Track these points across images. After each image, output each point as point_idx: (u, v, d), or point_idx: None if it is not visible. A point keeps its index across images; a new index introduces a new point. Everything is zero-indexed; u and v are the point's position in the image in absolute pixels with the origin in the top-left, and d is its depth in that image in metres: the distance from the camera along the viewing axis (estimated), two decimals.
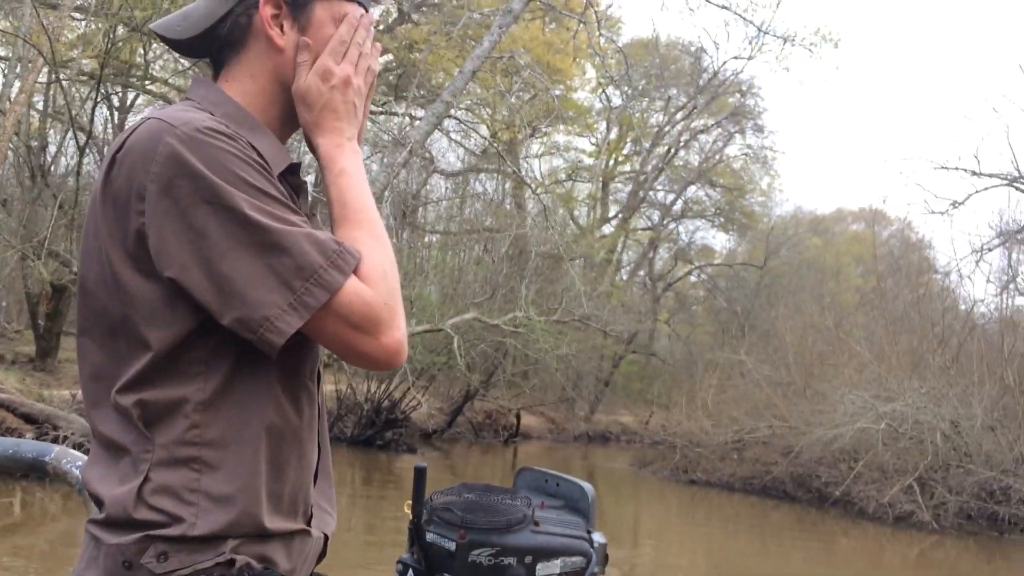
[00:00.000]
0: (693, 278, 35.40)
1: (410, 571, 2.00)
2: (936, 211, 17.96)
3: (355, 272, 1.05)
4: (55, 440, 8.99)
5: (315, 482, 1.19)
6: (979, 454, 14.00)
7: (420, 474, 1.97)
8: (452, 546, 1.95)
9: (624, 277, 31.91)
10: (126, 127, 1.15)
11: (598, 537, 2.20)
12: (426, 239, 26.35)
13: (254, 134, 1.12)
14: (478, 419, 23.72)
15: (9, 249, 13.82)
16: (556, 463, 21.39)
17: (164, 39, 1.19)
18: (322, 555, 1.22)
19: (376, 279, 1.06)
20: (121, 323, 1.04)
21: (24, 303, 17.03)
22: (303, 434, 1.13)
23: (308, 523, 1.15)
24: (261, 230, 1.00)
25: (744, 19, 15.19)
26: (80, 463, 1.51)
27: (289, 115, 1.20)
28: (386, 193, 11.15)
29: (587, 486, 2.33)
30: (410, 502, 1.98)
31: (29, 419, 9.04)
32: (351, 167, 1.16)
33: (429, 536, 1.97)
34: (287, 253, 1.00)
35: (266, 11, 1.15)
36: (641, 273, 33.12)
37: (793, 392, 17.78)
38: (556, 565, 2.08)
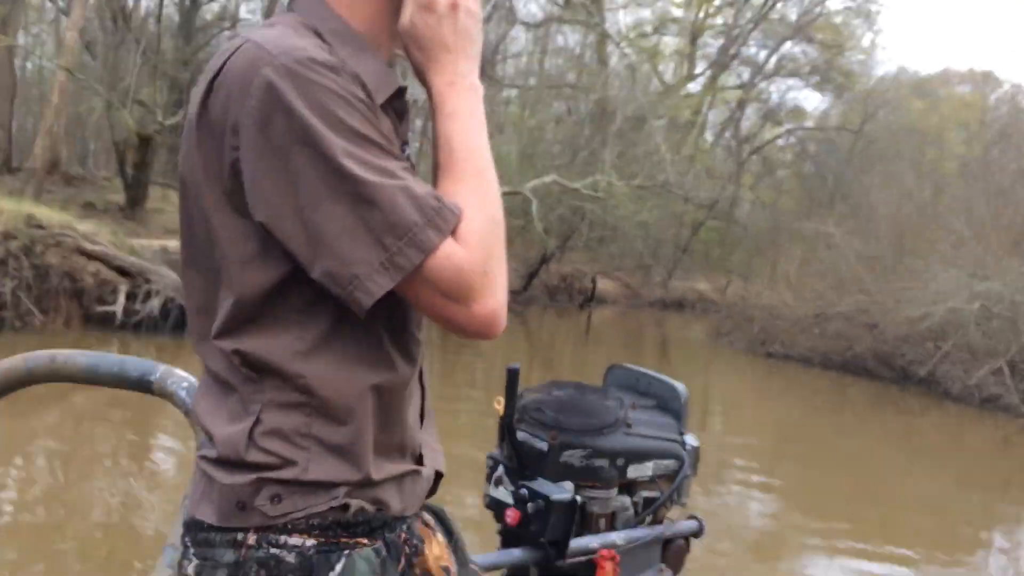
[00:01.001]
0: (781, 142, 34.09)
1: (500, 467, 1.93)
2: None
3: (453, 233, 0.97)
4: (147, 294, 9.26)
5: (421, 422, 1.17)
6: None
7: (513, 375, 1.86)
8: (544, 446, 1.89)
9: (709, 139, 30.87)
10: (223, 49, 1.01)
11: (690, 440, 2.10)
12: (504, 93, 25.73)
13: (359, 56, 1.04)
14: (553, 282, 23.80)
15: (96, 96, 13.96)
16: (630, 330, 21.50)
17: None
18: (433, 490, 1.20)
19: (474, 242, 0.97)
20: (220, 262, 1.00)
21: (112, 151, 17.36)
22: (411, 384, 1.10)
23: (418, 462, 1.13)
24: (356, 181, 0.92)
25: None
26: (185, 384, 1.48)
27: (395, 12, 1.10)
28: None
29: (680, 386, 2.21)
30: (500, 398, 1.88)
31: (123, 272, 9.30)
32: (463, 108, 1.07)
33: (520, 435, 1.90)
34: (382, 208, 0.93)
35: None
36: (727, 135, 31.96)
37: (882, 267, 17.17)
38: (648, 468, 2.00)
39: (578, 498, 1.75)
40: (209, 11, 19.38)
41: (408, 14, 1.07)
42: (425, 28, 1.07)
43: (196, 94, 1.00)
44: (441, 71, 1.07)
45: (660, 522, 2.07)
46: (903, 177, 21.37)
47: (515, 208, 17.03)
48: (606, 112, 17.64)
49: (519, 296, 20.72)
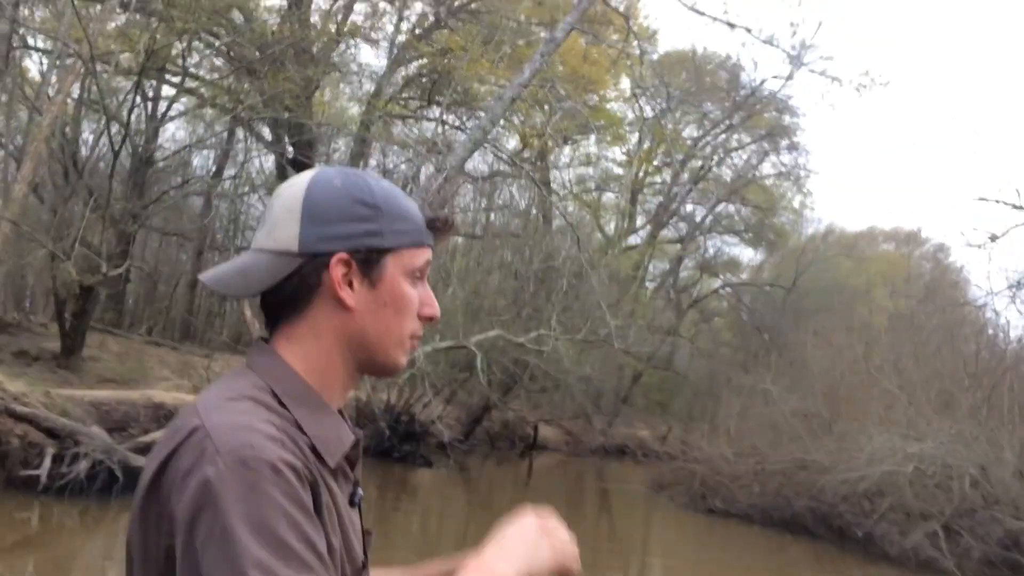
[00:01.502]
0: (718, 290, 35.17)
1: None
2: (974, 244, 17.50)
3: None
4: (75, 456, 8.97)
5: None
6: (1007, 501, 13.69)
7: None
8: None
9: (649, 288, 31.69)
10: (177, 425, 1.02)
11: None
12: (451, 243, 26.29)
13: (315, 416, 1.07)
14: (495, 429, 23.66)
15: (40, 248, 13.88)
16: (570, 478, 21.32)
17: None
18: None
19: None
20: None
21: (50, 296, 17.11)
22: None
23: None
24: None
25: (790, 56, 14.78)
26: None
27: (352, 372, 1.15)
28: None
29: None
30: None
31: (52, 433, 9.01)
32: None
33: None
34: None
35: (337, 272, 1.09)
36: (667, 285, 32.90)
37: (818, 425, 17.46)
38: None
39: None
40: (161, 153, 19.73)
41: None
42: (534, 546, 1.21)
43: (148, 469, 1.01)
44: (500, 552, 1.14)
45: None
46: (835, 332, 22.07)
47: (460, 361, 17.13)
48: (550, 267, 18.11)
49: (461, 444, 20.52)
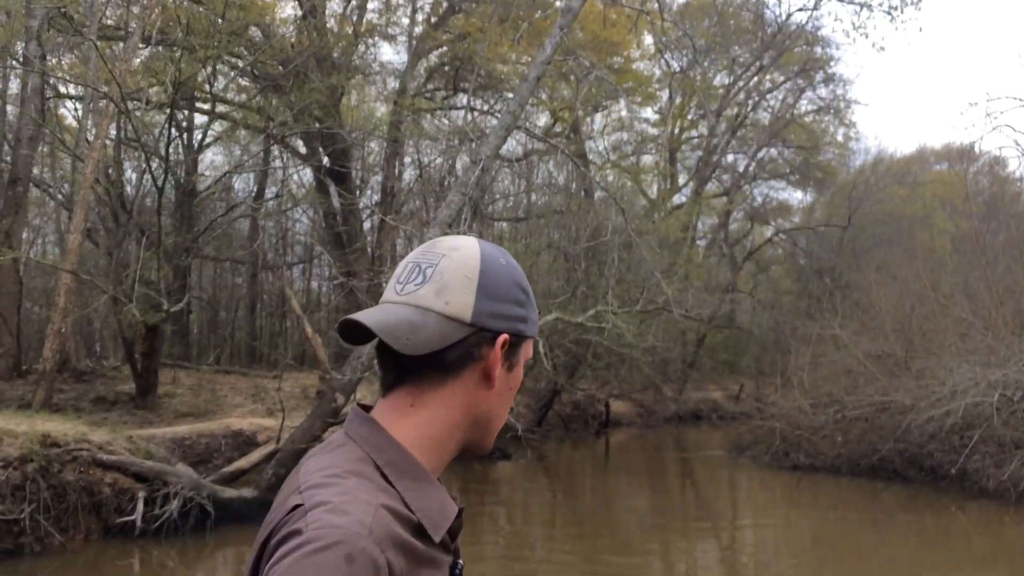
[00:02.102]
0: (771, 238, 34.55)
1: None
2: None
3: None
4: (165, 497, 9.18)
5: None
6: None
7: None
8: None
9: (701, 247, 31.28)
10: (283, 492, 1.08)
11: None
12: (495, 228, 26.28)
13: (418, 488, 1.07)
14: (567, 411, 23.65)
15: (101, 295, 14.19)
16: (648, 451, 21.20)
17: (352, 336, 1.13)
18: None
19: None
20: None
21: (118, 340, 17.52)
22: None
23: None
24: None
25: None
26: None
27: (456, 451, 1.17)
28: (464, 209, 10.98)
29: None
30: None
31: (140, 477, 9.23)
32: None
33: None
34: None
35: (499, 350, 1.13)
36: (719, 241, 32.41)
37: (894, 364, 17.05)
38: None
39: None
40: (202, 182, 20.02)
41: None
42: None
43: (256, 543, 1.03)
44: None
45: None
46: (898, 265, 21.53)
47: None
48: (599, 243, 17.94)
49: (534, 432, 20.56)
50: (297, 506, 0.99)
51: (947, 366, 14.99)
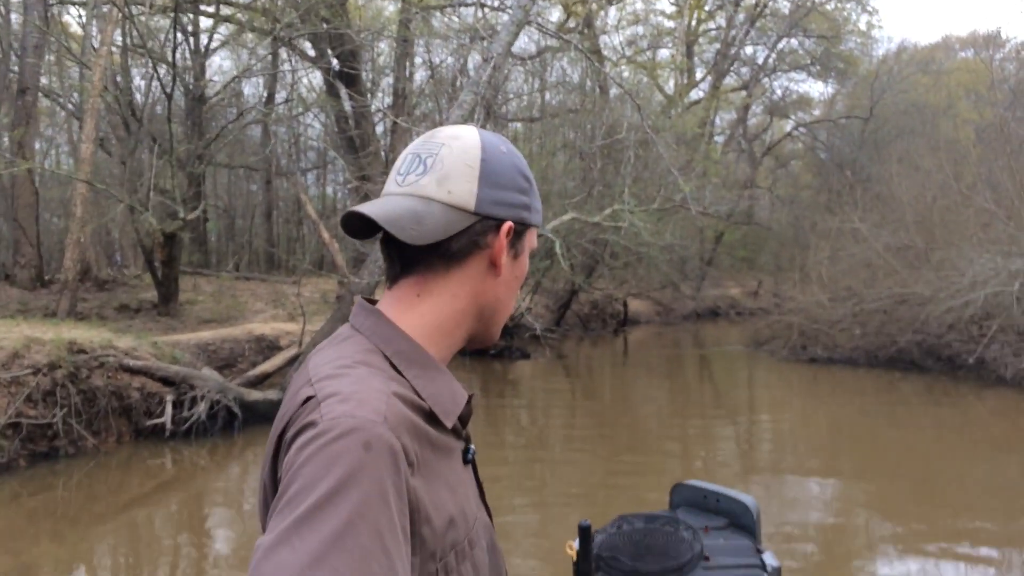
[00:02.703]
0: (791, 132, 33.90)
1: None
2: None
3: None
4: (193, 400, 9.39)
5: None
6: None
7: (585, 532, 1.86)
8: None
9: (719, 143, 30.76)
10: (293, 384, 1.05)
11: (770, 559, 2.06)
12: (509, 128, 25.89)
13: (427, 376, 1.07)
14: (585, 311, 23.79)
15: (118, 204, 14.21)
16: (667, 348, 21.38)
17: (356, 229, 1.12)
18: None
19: None
20: None
21: (137, 248, 17.64)
22: None
23: None
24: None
25: None
26: None
27: (463, 341, 1.16)
28: (476, 110, 10.78)
29: (749, 500, 2.18)
30: (572, 544, 1.89)
31: (167, 381, 9.42)
32: None
33: None
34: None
35: (504, 238, 1.12)
36: (738, 136, 31.85)
37: (914, 256, 16.94)
38: None
39: None
40: (211, 88, 19.77)
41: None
42: None
43: (271, 438, 1.02)
44: None
45: None
46: (920, 156, 21.12)
47: (540, 249, 17.07)
48: (615, 141, 17.65)
49: (553, 332, 20.75)
50: (310, 398, 0.98)
51: (967, 257, 14.86)
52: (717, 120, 30.91)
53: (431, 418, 1.04)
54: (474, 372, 16.04)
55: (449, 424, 1.06)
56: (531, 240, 1.18)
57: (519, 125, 27.07)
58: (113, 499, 7.80)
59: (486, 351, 17.43)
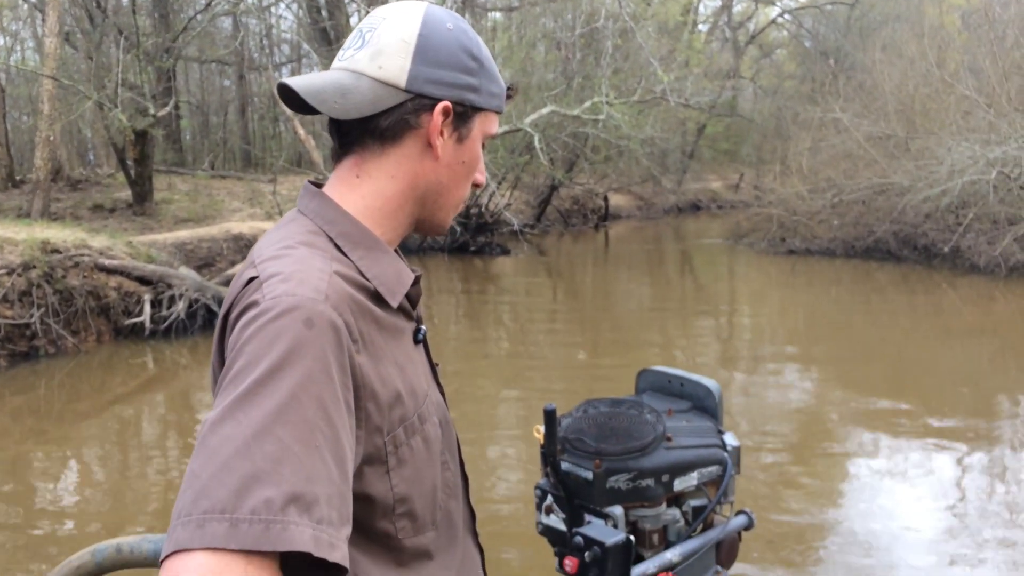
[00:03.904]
0: (776, 20, 33.16)
1: (548, 497, 2.00)
2: None
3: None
4: (171, 299, 9.39)
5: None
6: None
7: (551, 416, 1.91)
8: (589, 475, 1.95)
9: (702, 32, 30.09)
10: (240, 269, 1.05)
11: (730, 439, 2.14)
12: (487, 19, 25.19)
13: (372, 257, 1.07)
14: (565, 206, 23.70)
15: (86, 100, 13.85)
16: (647, 242, 21.45)
17: (294, 103, 1.08)
18: None
19: None
20: None
21: (110, 147, 17.29)
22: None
23: None
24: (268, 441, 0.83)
25: None
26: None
27: (409, 225, 1.15)
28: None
29: (712, 384, 2.24)
30: (540, 428, 1.94)
31: (144, 281, 9.39)
32: None
33: (564, 466, 1.96)
34: (265, 464, 0.82)
35: (439, 118, 1.08)
36: (722, 24, 31.14)
37: (895, 145, 16.87)
38: (693, 478, 2.05)
39: (631, 537, 1.79)
40: None
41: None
42: None
43: (218, 320, 1.03)
44: None
45: (711, 526, 2.11)
46: (905, 44, 20.77)
47: (518, 145, 16.87)
48: (594, 30, 17.23)
49: (533, 228, 20.74)
50: (252, 279, 0.98)
51: (946, 145, 14.83)
52: (700, 8, 30.16)
53: (377, 298, 1.04)
54: (454, 269, 16.08)
55: (394, 303, 1.06)
56: (485, 125, 1.14)
57: (498, 15, 26.33)
58: (97, 398, 7.88)
59: (466, 247, 17.42)
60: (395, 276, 1.08)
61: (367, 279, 1.04)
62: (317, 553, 0.82)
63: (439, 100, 1.08)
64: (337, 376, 0.91)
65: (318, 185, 1.14)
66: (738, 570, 4.07)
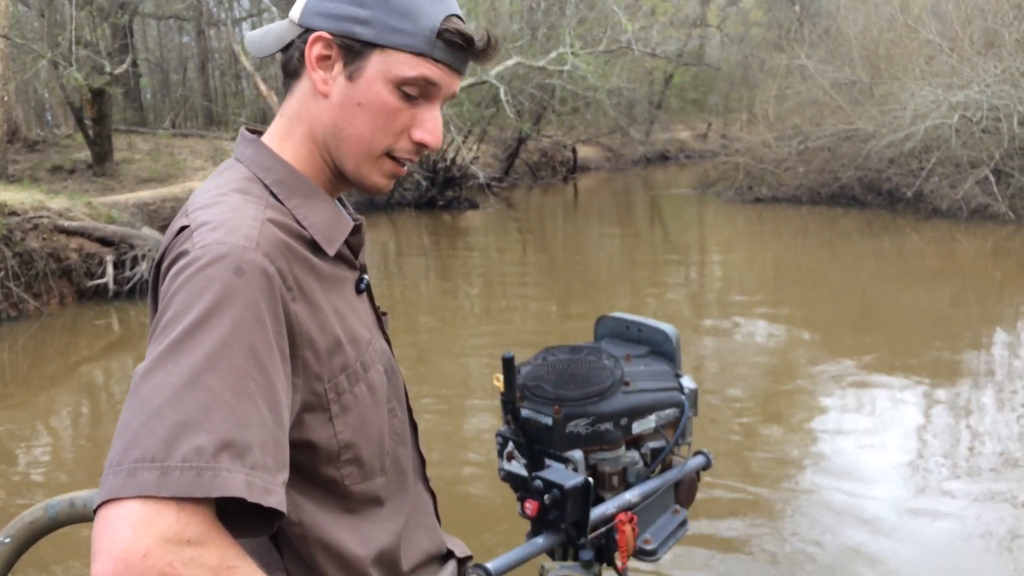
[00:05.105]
0: None
1: (509, 443, 2.03)
2: None
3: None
4: (134, 260, 9.27)
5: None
6: None
7: (509, 363, 1.93)
8: (549, 420, 1.97)
9: None
10: (173, 226, 1.02)
11: (687, 382, 2.17)
12: None
13: (308, 204, 1.05)
14: (533, 159, 23.60)
15: (40, 59, 13.49)
16: (616, 193, 21.46)
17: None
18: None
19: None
20: None
21: (67, 107, 16.91)
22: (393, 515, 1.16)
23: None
24: (199, 389, 0.83)
25: None
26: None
27: (336, 172, 1.10)
28: None
29: (670, 329, 2.27)
30: (500, 376, 1.96)
31: (105, 242, 9.26)
32: None
33: (525, 412, 1.98)
34: (194, 414, 0.81)
35: (313, 50, 1.05)
36: None
37: (860, 92, 16.94)
38: (651, 420, 2.09)
39: (590, 479, 1.81)
40: None
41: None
42: None
43: (153, 266, 1.02)
44: None
45: (669, 467, 2.15)
46: None
47: (484, 97, 16.69)
48: None
49: (502, 182, 20.65)
50: (184, 227, 0.97)
51: (910, 90, 14.91)
52: None
53: (314, 247, 1.03)
54: (422, 224, 16.00)
55: (331, 251, 1.05)
56: (390, 65, 1.03)
57: None
58: (62, 360, 7.80)
59: (434, 202, 17.30)
60: (333, 224, 1.07)
61: (303, 227, 1.03)
62: (251, 498, 0.81)
63: (316, 30, 1.05)
64: (270, 323, 0.91)
65: (257, 132, 1.13)
66: (709, 507, 4.16)
